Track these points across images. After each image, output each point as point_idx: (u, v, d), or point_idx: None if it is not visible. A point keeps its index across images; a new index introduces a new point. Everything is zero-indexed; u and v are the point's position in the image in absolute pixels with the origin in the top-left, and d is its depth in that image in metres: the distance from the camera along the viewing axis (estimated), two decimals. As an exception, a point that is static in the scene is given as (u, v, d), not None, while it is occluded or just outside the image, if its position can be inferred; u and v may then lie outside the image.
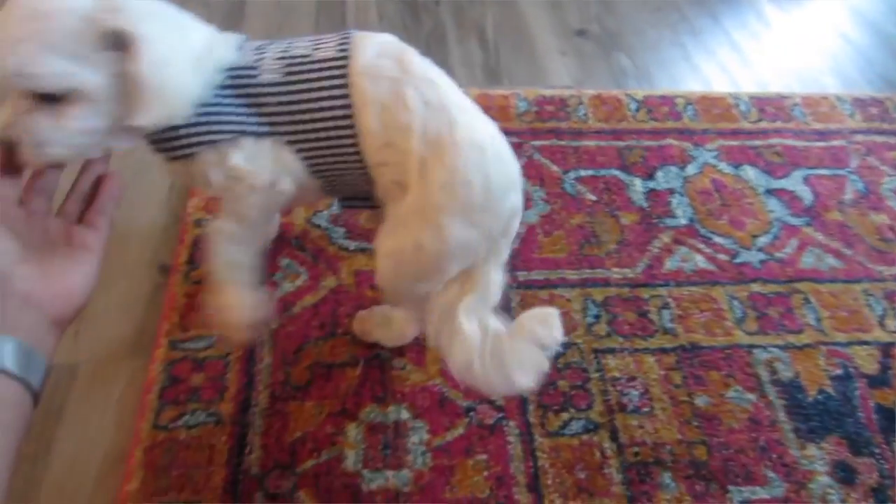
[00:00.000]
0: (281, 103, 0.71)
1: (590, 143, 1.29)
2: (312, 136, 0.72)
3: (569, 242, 1.14)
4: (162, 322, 0.98)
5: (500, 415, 0.94)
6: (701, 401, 0.98)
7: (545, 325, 0.75)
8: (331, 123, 0.71)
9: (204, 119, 0.69)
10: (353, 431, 0.91)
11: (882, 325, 1.08)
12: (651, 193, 1.23)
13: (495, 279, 0.79)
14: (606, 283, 1.10)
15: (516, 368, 0.74)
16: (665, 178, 1.25)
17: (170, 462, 0.86)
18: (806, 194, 1.26)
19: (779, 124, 1.38)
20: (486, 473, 0.88)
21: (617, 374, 0.99)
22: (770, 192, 1.25)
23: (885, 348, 1.06)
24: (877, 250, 1.18)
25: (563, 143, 1.29)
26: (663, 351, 1.03)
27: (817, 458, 0.94)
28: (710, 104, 1.40)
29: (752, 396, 0.99)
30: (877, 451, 0.95)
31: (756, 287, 1.11)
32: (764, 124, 1.37)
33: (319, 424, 0.91)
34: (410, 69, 0.71)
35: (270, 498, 0.84)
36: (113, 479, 0.85)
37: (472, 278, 0.77)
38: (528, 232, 1.14)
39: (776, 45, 1.61)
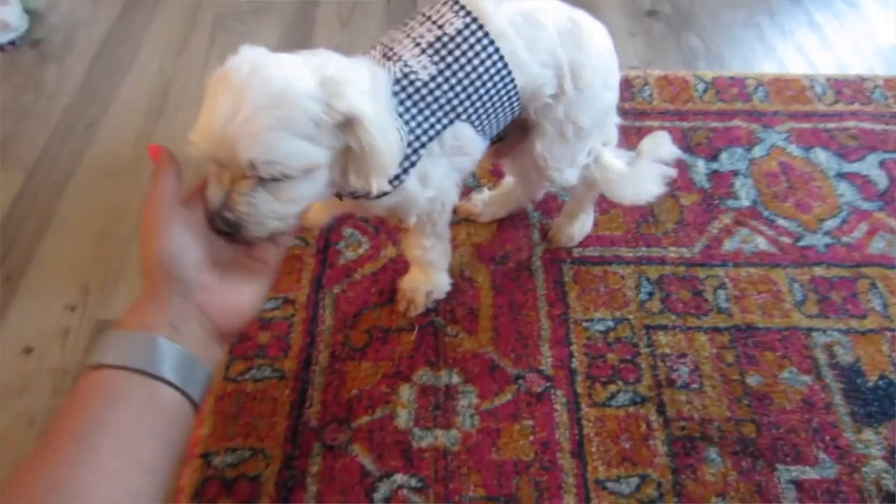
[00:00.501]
0: (452, 86, 0.76)
1: (653, 123, 1.29)
2: (486, 99, 0.79)
3: (625, 221, 1.15)
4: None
5: (549, 384, 0.96)
6: (753, 380, 0.97)
7: (661, 145, 0.99)
8: (497, 78, 0.78)
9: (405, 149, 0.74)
10: (406, 392, 0.95)
11: (954, 312, 1.05)
12: (714, 175, 1.22)
13: (613, 134, 1.02)
14: (662, 261, 1.10)
15: (651, 182, 0.98)
16: (729, 160, 1.24)
17: (237, 411, 0.93)
18: (881, 179, 1.22)
19: (856, 107, 1.33)
20: (531, 438, 0.92)
21: (667, 351, 1.00)
22: (841, 175, 1.22)
23: (956, 336, 1.02)
24: (954, 236, 1.14)
25: (626, 122, 1.28)
26: (717, 330, 1.02)
27: (874, 442, 0.92)
28: (783, 86, 1.37)
29: (807, 378, 0.98)
30: (938, 438, 0.93)
31: (819, 270, 1.10)
32: (840, 107, 1.33)
33: (375, 384, 0.96)
34: (523, 4, 0.81)
35: (327, 448, 0.90)
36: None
37: (605, 136, 0.99)
38: (585, 210, 1.16)
39: (859, 26, 1.55)
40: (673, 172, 0.99)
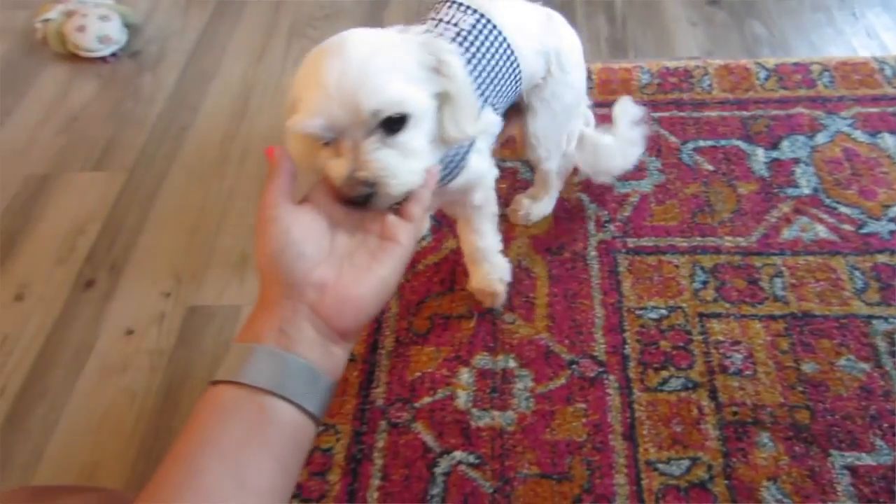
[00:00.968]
0: (479, 73, 0.83)
1: (712, 113, 1.30)
2: (502, 84, 0.87)
3: (681, 211, 1.17)
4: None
5: (601, 369, 1.01)
6: (808, 367, 0.99)
7: (628, 108, 1.12)
8: (509, 65, 0.87)
9: None
10: (465, 375, 1.02)
11: None
12: (773, 163, 1.22)
13: (589, 115, 1.14)
14: (717, 250, 1.12)
15: (636, 145, 1.11)
16: (791, 148, 1.24)
17: (312, 391, 1.02)
18: (952, 163, 1.20)
19: (928, 89, 1.30)
20: (584, 420, 0.96)
21: (721, 338, 1.03)
22: (909, 160, 1.20)
23: None
24: None
25: (683, 114, 1.31)
26: (772, 318, 1.04)
27: (933, 430, 0.92)
28: (850, 70, 1.35)
29: (865, 366, 0.98)
30: None
31: (882, 258, 1.09)
32: (911, 89, 1.31)
33: (436, 367, 1.03)
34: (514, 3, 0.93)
35: (392, 426, 0.97)
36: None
37: (585, 118, 1.12)
38: (640, 200, 1.19)
39: (937, 4, 1.51)
40: (647, 130, 1.13)
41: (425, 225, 1.19)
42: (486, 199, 0.95)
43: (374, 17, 1.70)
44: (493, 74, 0.85)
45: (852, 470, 0.90)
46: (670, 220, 1.16)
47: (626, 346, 1.02)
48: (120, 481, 0.97)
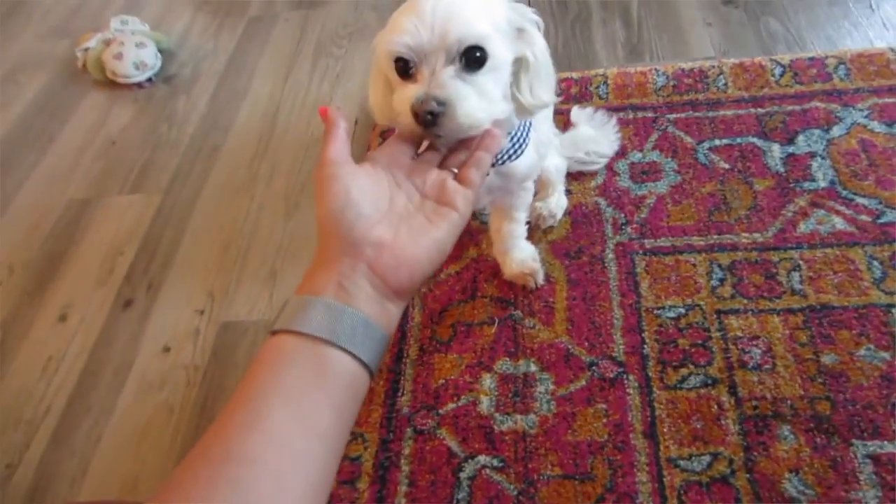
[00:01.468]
0: None
1: (727, 112, 1.31)
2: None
3: (697, 210, 1.19)
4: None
5: (621, 369, 1.03)
6: (828, 359, 0.99)
7: (585, 112, 1.28)
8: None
9: None
10: (487, 380, 1.04)
11: None
12: (789, 158, 1.23)
13: None
14: (734, 247, 1.13)
15: (614, 129, 1.27)
16: (806, 142, 1.24)
17: (340, 400, 1.06)
18: (972, 149, 1.19)
19: (946, 76, 1.29)
20: (605, 420, 0.98)
21: (739, 334, 1.04)
22: (927, 148, 1.20)
23: None
24: None
25: (699, 114, 1.32)
26: (790, 311, 1.05)
27: (958, 417, 0.92)
28: (865, 61, 1.35)
29: (885, 355, 0.99)
30: None
31: (901, 247, 1.09)
32: (928, 77, 1.30)
33: (459, 374, 1.06)
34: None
35: (418, 433, 1.01)
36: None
37: None
38: (657, 202, 1.21)
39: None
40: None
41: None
42: (531, 185, 1.00)
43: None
44: None
45: (875, 458, 0.90)
46: (687, 219, 1.18)
47: (645, 346, 1.04)
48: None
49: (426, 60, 0.66)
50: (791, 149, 1.24)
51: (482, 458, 0.97)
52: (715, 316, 1.06)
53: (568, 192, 1.24)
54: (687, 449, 0.94)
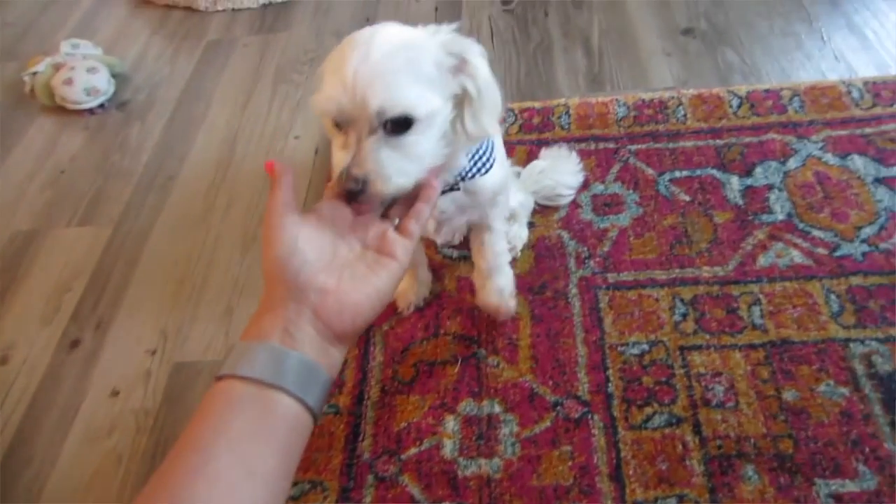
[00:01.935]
0: None
1: (687, 143, 1.32)
2: None
3: (659, 243, 1.19)
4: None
5: (586, 409, 1.01)
6: (789, 395, 1.00)
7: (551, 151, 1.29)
8: None
9: None
10: (451, 423, 1.02)
11: None
12: (748, 190, 1.24)
13: None
14: (696, 281, 1.13)
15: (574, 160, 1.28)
16: (764, 174, 1.26)
17: (299, 445, 1.02)
18: (922, 181, 1.21)
19: (895, 109, 1.32)
20: (570, 463, 0.97)
21: (702, 370, 1.03)
22: (879, 181, 1.22)
23: None
24: None
25: (659, 145, 1.33)
26: (752, 347, 1.05)
27: (915, 452, 0.93)
28: (818, 94, 1.37)
29: (844, 390, 0.99)
30: (981, 449, 0.92)
31: (856, 280, 1.10)
32: (878, 110, 1.32)
33: (422, 416, 1.03)
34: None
35: (379, 480, 0.98)
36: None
37: None
38: (619, 235, 1.20)
39: (901, 24, 1.53)
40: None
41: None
42: (505, 198, 0.99)
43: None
44: None
45: (837, 498, 0.90)
46: (649, 252, 1.18)
47: (610, 384, 1.03)
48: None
49: (353, 125, 0.65)
50: (749, 181, 1.25)
51: (446, 506, 0.95)
52: (678, 352, 1.06)
53: (531, 225, 1.24)
54: (653, 491, 0.93)
